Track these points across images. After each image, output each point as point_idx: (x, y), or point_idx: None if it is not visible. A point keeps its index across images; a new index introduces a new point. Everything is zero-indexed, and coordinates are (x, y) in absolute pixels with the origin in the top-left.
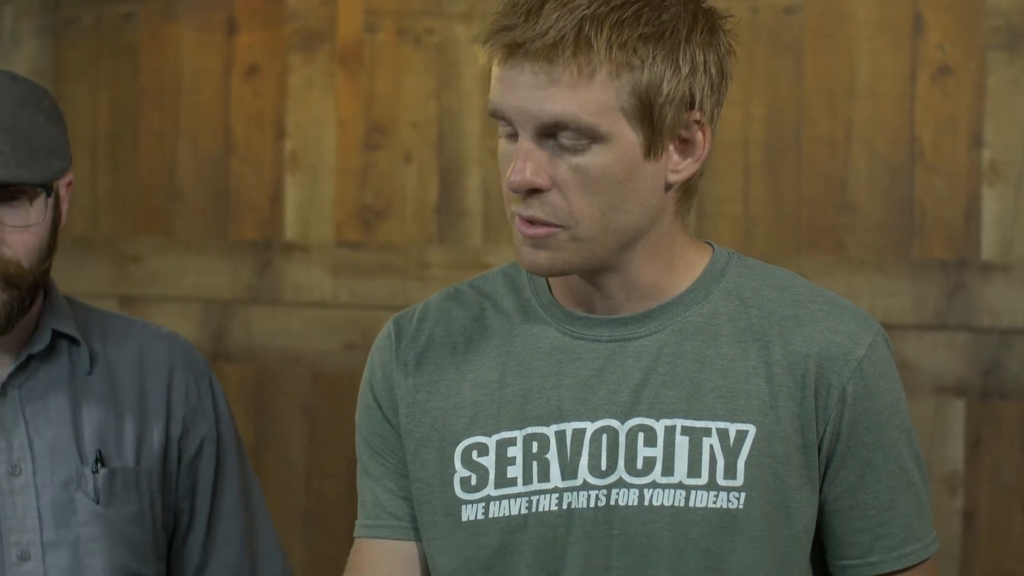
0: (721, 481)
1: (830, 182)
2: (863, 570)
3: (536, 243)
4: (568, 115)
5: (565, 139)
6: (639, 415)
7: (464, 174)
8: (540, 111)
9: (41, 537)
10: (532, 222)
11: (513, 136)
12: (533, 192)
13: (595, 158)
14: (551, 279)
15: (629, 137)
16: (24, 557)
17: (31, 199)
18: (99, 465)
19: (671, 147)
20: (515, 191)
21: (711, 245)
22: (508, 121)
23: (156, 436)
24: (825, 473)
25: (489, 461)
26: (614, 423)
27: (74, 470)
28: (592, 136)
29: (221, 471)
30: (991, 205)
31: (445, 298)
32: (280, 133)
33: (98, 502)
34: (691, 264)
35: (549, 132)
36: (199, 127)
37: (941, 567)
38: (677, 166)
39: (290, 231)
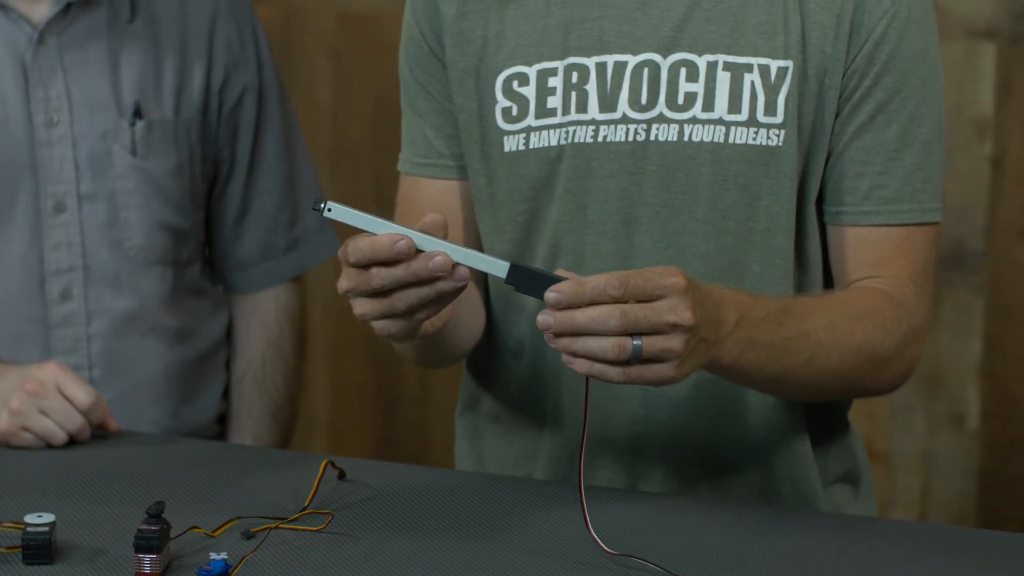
0: (761, 118)
1: None
2: (856, 218)
3: None
4: None
5: None
6: (682, 50)
7: None
8: None
9: (78, 188)
10: None
11: None
12: None
13: None
14: None
15: None
16: (60, 208)
17: None
18: (136, 117)
19: None
20: None
21: None
22: None
23: (197, 85)
24: (840, 112)
25: (530, 91)
26: (656, 57)
27: (112, 122)
28: None
29: (262, 120)
30: None
31: None
32: None
33: (135, 155)
34: None
35: None
36: None
37: (969, 214)
38: None
39: None
